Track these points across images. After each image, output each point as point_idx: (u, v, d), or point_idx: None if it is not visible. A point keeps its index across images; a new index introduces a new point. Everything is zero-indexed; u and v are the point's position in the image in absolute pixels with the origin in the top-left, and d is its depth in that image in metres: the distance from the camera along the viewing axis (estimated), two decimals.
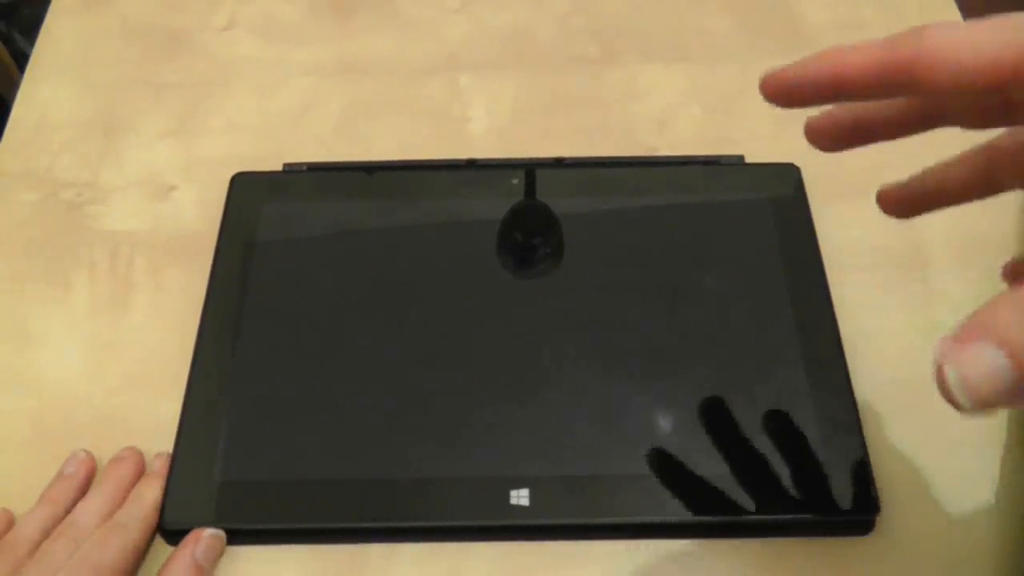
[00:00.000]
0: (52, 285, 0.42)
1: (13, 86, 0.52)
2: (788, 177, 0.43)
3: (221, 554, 0.35)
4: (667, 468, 0.35)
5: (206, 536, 0.34)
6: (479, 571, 0.35)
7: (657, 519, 0.35)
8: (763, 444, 0.36)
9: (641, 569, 0.35)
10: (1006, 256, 0.30)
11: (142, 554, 0.34)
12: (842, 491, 0.34)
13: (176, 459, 0.36)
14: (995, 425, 0.38)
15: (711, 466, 0.35)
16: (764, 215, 0.42)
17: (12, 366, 0.40)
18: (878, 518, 0.35)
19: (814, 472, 0.35)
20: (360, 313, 0.40)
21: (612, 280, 0.40)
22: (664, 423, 0.36)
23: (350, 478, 0.35)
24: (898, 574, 0.35)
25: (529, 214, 0.43)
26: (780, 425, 0.36)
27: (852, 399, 0.36)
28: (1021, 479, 0.36)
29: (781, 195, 0.42)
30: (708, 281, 0.40)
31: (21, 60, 0.86)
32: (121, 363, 0.40)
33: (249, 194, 0.43)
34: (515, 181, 0.43)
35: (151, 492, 0.35)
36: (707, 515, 0.35)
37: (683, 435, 0.36)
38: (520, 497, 0.35)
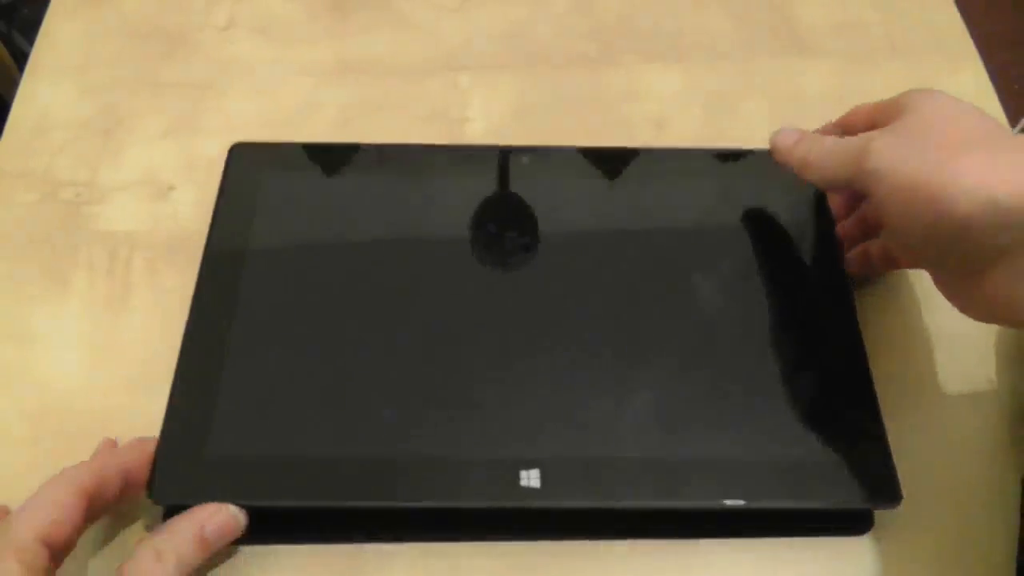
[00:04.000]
0: (51, 285, 0.42)
1: (13, 86, 0.52)
2: None
3: (232, 536, 0.33)
4: (679, 451, 0.35)
5: (224, 513, 0.33)
6: (479, 571, 0.35)
7: (673, 504, 0.34)
8: (782, 427, 0.35)
9: (641, 569, 0.35)
10: None
11: None
12: (865, 473, 0.34)
13: (166, 430, 0.35)
14: (992, 425, 0.38)
15: (726, 450, 0.35)
16: (780, 200, 0.41)
17: (11, 366, 0.40)
18: (877, 518, 0.35)
19: (837, 457, 0.35)
20: (363, 287, 0.39)
21: (628, 258, 0.40)
22: (676, 405, 0.36)
23: (349, 456, 0.34)
24: (896, 574, 0.35)
25: (538, 192, 0.42)
26: (797, 407, 0.36)
27: (872, 387, 0.36)
28: (1016, 478, 0.36)
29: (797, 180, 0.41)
30: (727, 264, 0.40)
31: (21, 60, 0.86)
32: (120, 363, 0.40)
33: (248, 165, 0.42)
34: (525, 160, 0.43)
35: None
36: (720, 500, 0.34)
37: (695, 419, 0.35)
38: (531, 478, 0.34)
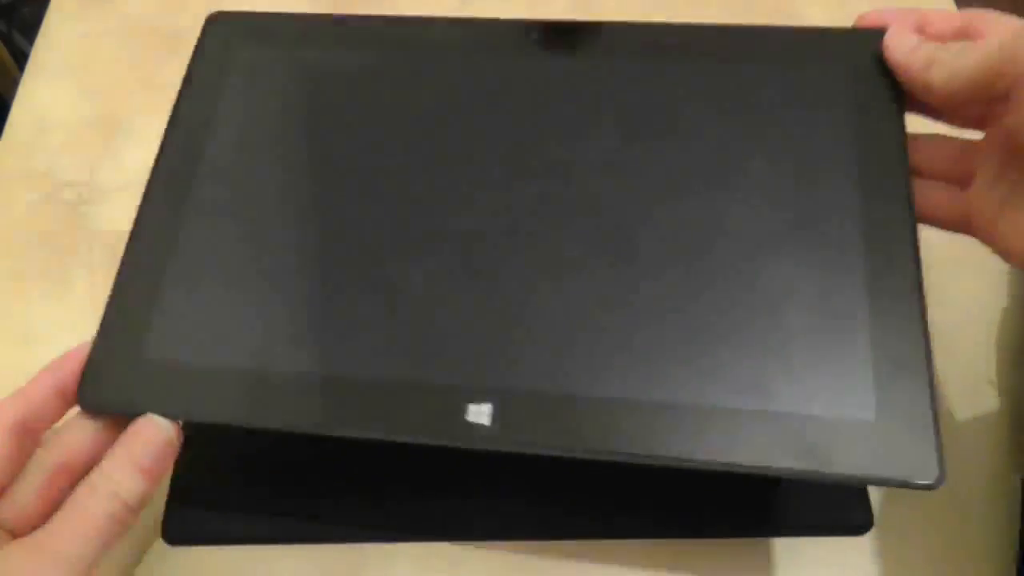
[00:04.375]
0: (51, 284, 0.42)
1: (13, 86, 0.52)
2: (867, 46, 0.34)
3: (168, 453, 0.29)
4: (669, 393, 0.28)
5: (147, 429, 0.29)
6: (479, 571, 0.35)
7: (659, 454, 0.27)
8: (808, 376, 0.29)
9: (641, 569, 0.35)
10: None
11: None
12: (904, 442, 0.28)
13: (102, 328, 0.31)
14: (992, 425, 0.38)
15: (719, 397, 0.28)
16: (840, 90, 0.34)
17: (12, 365, 0.40)
18: (877, 518, 0.35)
19: (872, 418, 0.28)
20: (334, 178, 0.34)
21: (638, 155, 0.33)
22: (675, 338, 0.29)
23: (297, 373, 0.30)
24: (896, 574, 0.35)
25: (551, 74, 0.35)
26: (831, 353, 0.29)
27: (925, 329, 0.29)
28: (1016, 478, 0.36)
29: (861, 66, 0.34)
30: (757, 166, 0.32)
31: (21, 60, 0.86)
32: None
33: (225, 36, 0.37)
34: (535, 37, 0.36)
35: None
36: (709, 458, 0.27)
37: (702, 354, 0.29)
38: (480, 414, 0.28)
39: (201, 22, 0.37)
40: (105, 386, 0.30)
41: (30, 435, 0.29)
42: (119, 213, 0.44)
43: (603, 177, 0.33)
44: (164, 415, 0.29)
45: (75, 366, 0.30)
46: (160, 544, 0.35)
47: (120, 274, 0.32)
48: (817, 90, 0.34)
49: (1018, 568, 0.34)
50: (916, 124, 0.33)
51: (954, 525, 0.36)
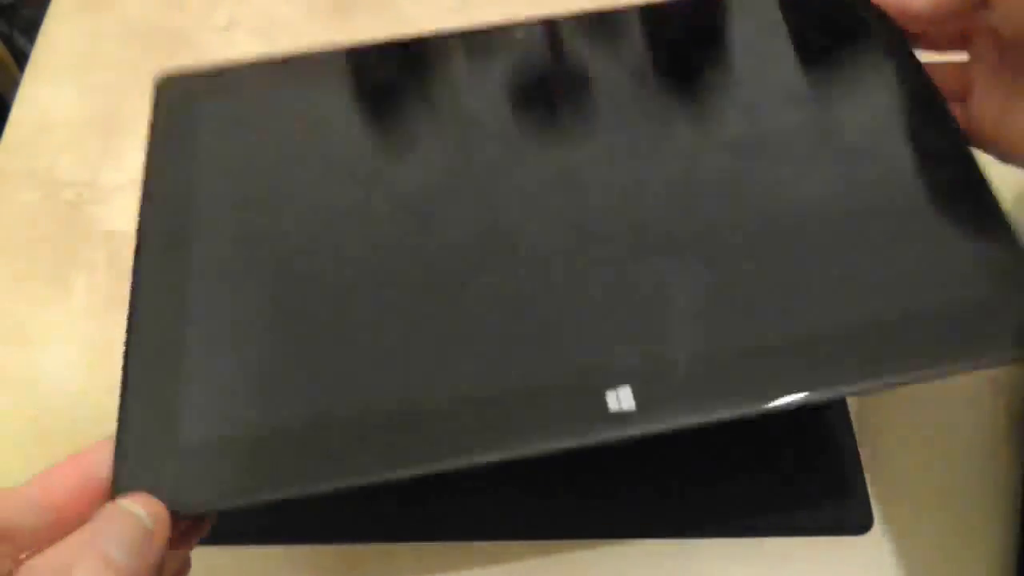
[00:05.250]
0: (52, 285, 0.42)
1: (13, 86, 0.52)
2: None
3: (154, 539, 0.23)
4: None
5: (119, 516, 0.23)
6: (479, 571, 0.35)
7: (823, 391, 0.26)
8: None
9: (641, 569, 0.35)
10: None
11: None
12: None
13: (124, 420, 0.26)
14: (992, 425, 0.38)
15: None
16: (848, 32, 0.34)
17: (12, 366, 0.40)
18: (876, 518, 0.35)
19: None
20: (338, 214, 0.31)
21: (677, 119, 0.33)
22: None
23: (366, 418, 0.26)
24: (895, 574, 0.35)
25: (550, 59, 0.34)
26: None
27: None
28: (1017, 478, 0.36)
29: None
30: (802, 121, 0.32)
31: (21, 60, 0.86)
32: (120, 363, 0.40)
33: (180, 97, 0.34)
34: (519, 36, 0.35)
35: None
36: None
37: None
38: (621, 399, 0.26)
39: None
40: (142, 483, 0.25)
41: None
42: (119, 213, 0.44)
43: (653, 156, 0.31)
44: (225, 507, 0.25)
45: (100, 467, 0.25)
46: None
47: (129, 361, 0.28)
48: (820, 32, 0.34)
49: (1018, 568, 0.34)
50: None
51: (954, 525, 0.36)
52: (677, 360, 0.26)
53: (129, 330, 0.29)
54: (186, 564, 0.27)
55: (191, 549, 0.27)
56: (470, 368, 0.27)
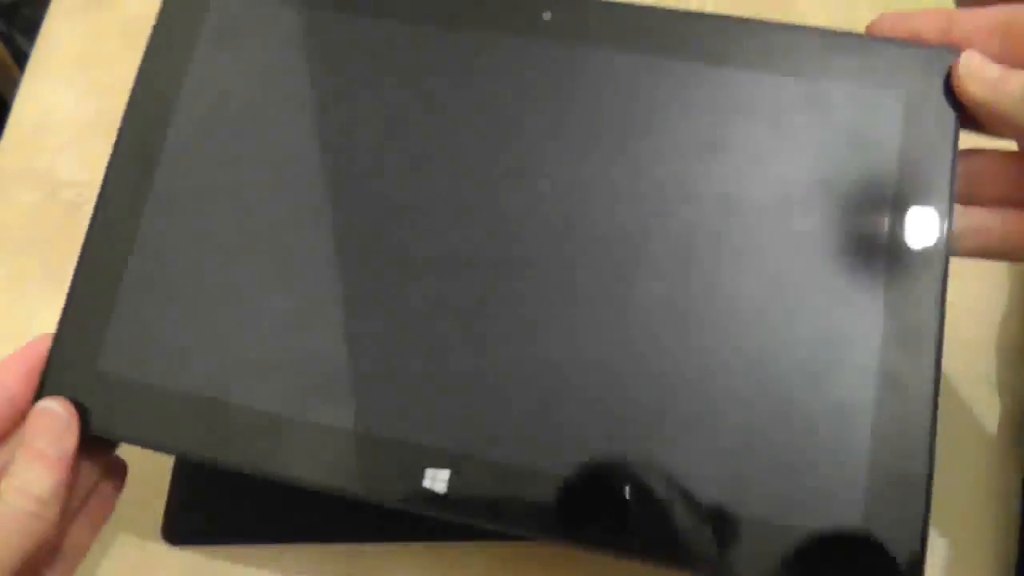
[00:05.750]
0: (51, 285, 0.42)
1: (13, 86, 0.52)
2: (933, 67, 0.29)
3: (71, 436, 0.28)
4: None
5: (43, 419, 0.28)
6: (479, 571, 0.35)
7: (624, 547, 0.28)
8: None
9: (641, 569, 0.35)
10: None
11: None
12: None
13: (60, 327, 0.29)
14: (991, 424, 0.38)
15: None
16: (890, 117, 0.30)
17: None
18: None
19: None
20: (319, 165, 0.29)
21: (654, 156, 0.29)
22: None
23: (256, 409, 0.28)
24: None
25: (562, 61, 0.30)
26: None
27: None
28: (1017, 478, 0.36)
29: (919, 91, 0.29)
30: (797, 193, 0.29)
31: (21, 60, 0.86)
32: None
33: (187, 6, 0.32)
34: (547, 16, 0.31)
35: None
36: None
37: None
38: (436, 480, 0.27)
39: None
40: (64, 393, 0.28)
41: None
42: None
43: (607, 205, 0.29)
44: (114, 438, 0.29)
45: (25, 374, 0.29)
46: (160, 544, 0.35)
47: (77, 273, 0.29)
48: (867, 112, 0.30)
49: (1018, 568, 0.34)
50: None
51: (954, 525, 0.36)
52: (507, 464, 0.27)
53: (86, 237, 0.30)
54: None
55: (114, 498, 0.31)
56: (351, 395, 0.27)
